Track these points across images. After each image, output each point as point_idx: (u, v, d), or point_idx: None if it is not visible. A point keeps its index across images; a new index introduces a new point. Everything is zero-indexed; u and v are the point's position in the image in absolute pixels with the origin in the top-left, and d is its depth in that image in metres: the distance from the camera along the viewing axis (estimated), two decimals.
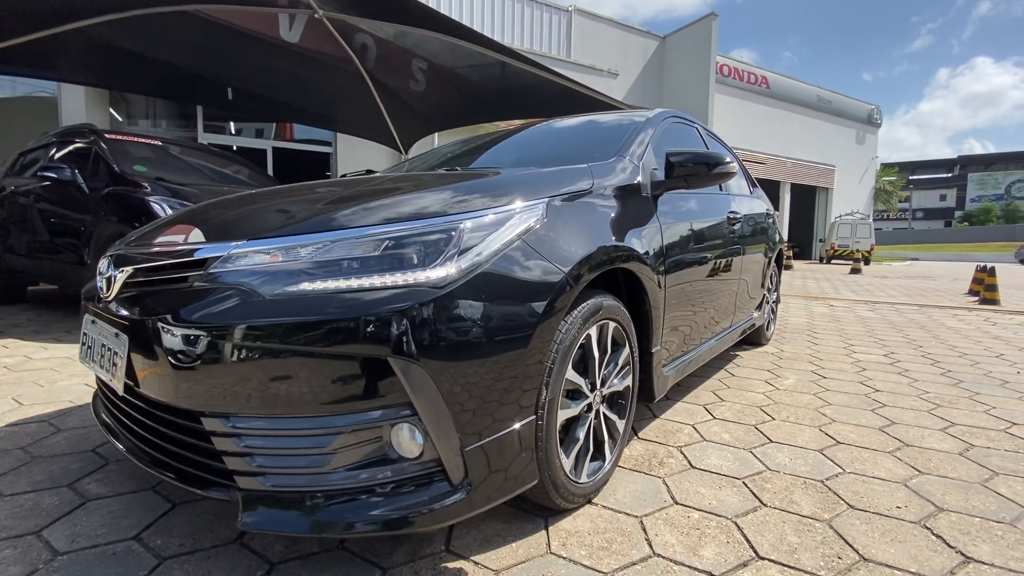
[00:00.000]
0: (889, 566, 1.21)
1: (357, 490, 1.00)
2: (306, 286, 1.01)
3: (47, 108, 7.69)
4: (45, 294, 5.49)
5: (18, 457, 1.70)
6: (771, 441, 1.92)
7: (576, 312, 1.31)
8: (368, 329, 0.96)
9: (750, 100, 17.01)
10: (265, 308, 0.99)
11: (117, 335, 1.18)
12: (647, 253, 1.60)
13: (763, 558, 1.23)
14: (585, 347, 1.39)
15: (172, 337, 1.03)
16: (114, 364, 1.18)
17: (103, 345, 1.24)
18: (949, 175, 74.78)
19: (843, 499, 1.51)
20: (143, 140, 4.42)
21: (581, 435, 1.40)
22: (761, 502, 1.48)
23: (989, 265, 7.16)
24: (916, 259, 26.03)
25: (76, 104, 7.46)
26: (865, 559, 1.23)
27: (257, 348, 0.97)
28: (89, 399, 2.24)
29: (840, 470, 1.70)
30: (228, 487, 1.04)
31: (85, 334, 1.37)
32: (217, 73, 6.23)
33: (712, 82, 14.58)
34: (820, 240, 20.05)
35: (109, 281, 1.28)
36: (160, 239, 1.33)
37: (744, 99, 16.78)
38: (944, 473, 1.69)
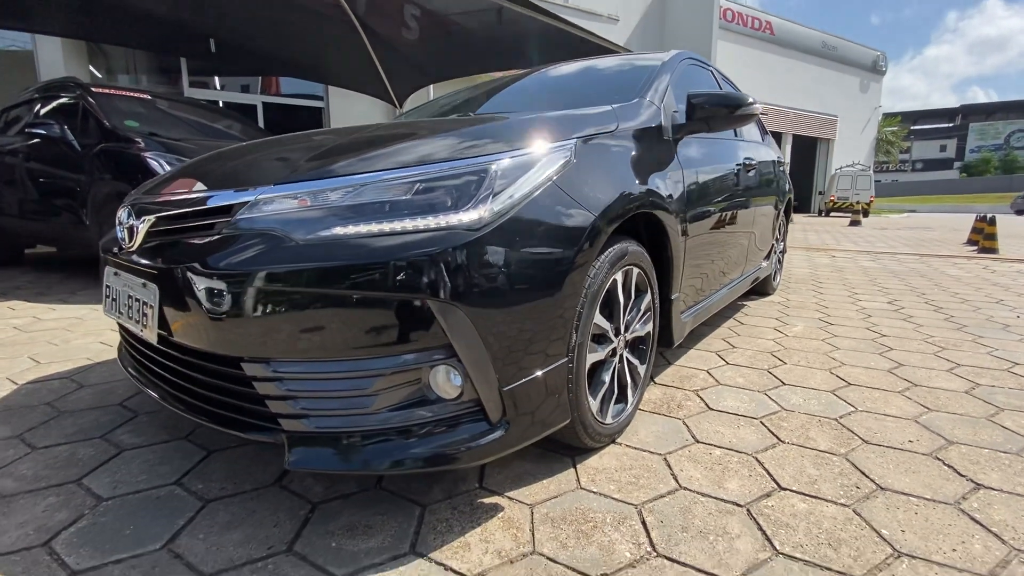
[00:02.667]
0: (905, 493, 1.26)
1: (400, 429, 1.02)
2: (339, 230, 1.00)
3: (22, 62, 7.34)
4: (44, 257, 5.43)
5: (45, 412, 1.72)
6: (784, 384, 1.97)
7: (603, 257, 1.30)
8: (406, 273, 0.96)
9: (754, 47, 16.46)
10: (300, 253, 0.98)
11: (145, 285, 1.17)
12: (670, 198, 1.59)
13: (785, 488, 1.28)
14: (610, 292, 1.40)
15: (206, 285, 1.03)
16: (144, 315, 1.18)
17: (130, 296, 1.24)
18: (950, 125, 73.61)
19: (857, 435, 1.56)
20: (131, 94, 4.26)
21: (607, 378, 1.43)
22: (779, 439, 1.53)
23: (989, 215, 7.16)
24: (914, 211, 25.99)
25: (54, 58, 7.13)
26: (882, 488, 1.29)
27: (295, 294, 0.97)
28: (106, 357, 2.26)
29: (852, 409, 1.75)
30: (271, 430, 1.06)
31: (108, 286, 1.36)
32: (199, 23, 5.93)
33: (715, 28, 14.06)
34: (820, 193, 19.90)
35: (131, 231, 1.25)
36: (179, 188, 1.30)
37: (748, 46, 16.23)
38: (952, 410, 1.74)
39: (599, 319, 1.34)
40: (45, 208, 4.10)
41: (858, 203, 16.78)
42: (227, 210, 1.09)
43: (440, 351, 1.01)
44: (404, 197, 1.03)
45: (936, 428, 1.61)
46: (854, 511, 1.20)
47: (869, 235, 9.64)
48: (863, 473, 1.35)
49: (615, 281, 1.39)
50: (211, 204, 1.11)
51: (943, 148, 72.10)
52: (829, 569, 1.01)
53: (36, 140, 3.91)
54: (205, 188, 1.20)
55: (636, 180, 1.43)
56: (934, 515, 1.18)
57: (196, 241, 1.10)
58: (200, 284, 1.03)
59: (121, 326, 1.53)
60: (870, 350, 2.40)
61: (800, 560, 1.04)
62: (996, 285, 4.20)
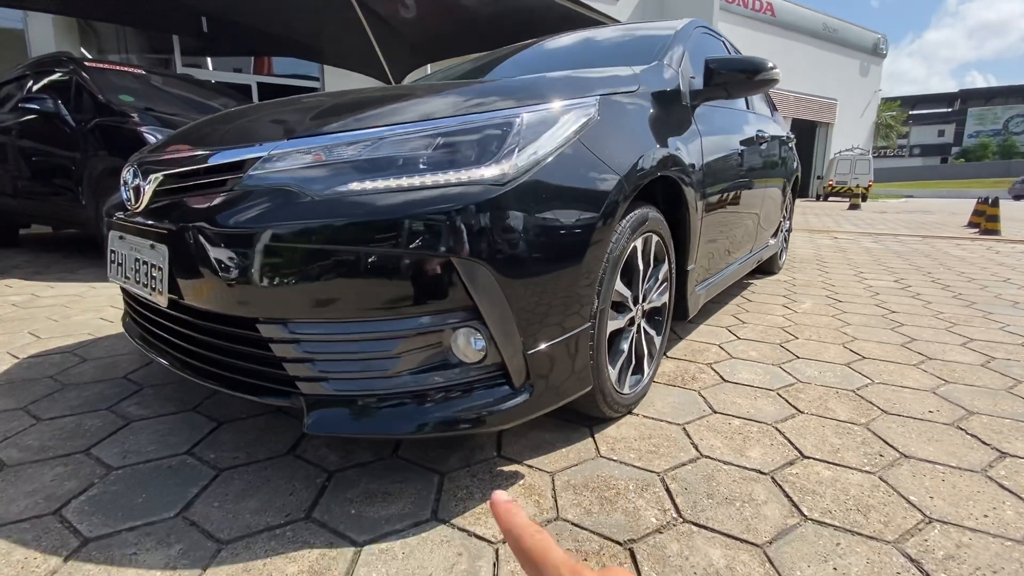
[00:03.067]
0: (930, 461, 1.25)
1: (422, 393, 0.99)
2: (356, 186, 0.95)
3: (13, 41, 7.17)
4: (40, 237, 5.34)
5: (48, 385, 1.68)
6: (798, 357, 1.95)
7: (626, 221, 1.26)
8: (429, 230, 0.92)
9: (755, 29, 16.24)
10: (317, 209, 0.94)
11: (153, 247, 1.12)
12: (692, 165, 1.54)
13: (808, 457, 1.26)
14: (630, 259, 1.36)
15: (218, 245, 0.98)
16: (153, 278, 1.13)
17: (137, 259, 1.19)
18: (949, 110, 73.29)
19: (876, 406, 1.54)
20: (125, 69, 4.15)
21: (625, 347, 1.40)
22: (797, 410, 1.51)
23: (992, 196, 7.13)
24: (911, 196, 25.98)
25: (44, 36, 6.97)
26: (906, 456, 1.27)
27: (313, 252, 0.93)
28: (108, 332, 2.21)
29: (869, 381, 1.73)
30: (288, 394, 1.03)
31: (113, 251, 1.31)
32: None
33: (716, 9, 13.85)
34: (819, 177, 19.82)
35: (137, 191, 1.20)
36: (182, 147, 1.25)
37: (748, 27, 16.01)
38: (970, 382, 1.73)
39: (619, 286, 1.31)
40: (39, 186, 4.01)
41: (857, 187, 16.73)
42: (238, 166, 1.04)
43: (463, 313, 0.97)
44: (425, 151, 0.98)
45: (955, 399, 1.59)
46: (880, 478, 1.18)
47: (869, 218, 9.61)
48: (885, 442, 1.33)
49: (635, 248, 1.36)
50: (221, 160, 1.06)
51: (941, 133, 71.88)
52: (860, 534, 0.99)
53: (29, 117, 3.81)
54: (214, 146, 1.14)
55: (657, 143, 1.38)
56: (961, 482, 1.17)
57: (206, 199, 1.05)
58: (212, 243, 0.99)
59: (126, 294, 1.49)
60: (881, 325, 2.39)
61: (830, 525, 1.02)
62: (1001, 265, 4.19)
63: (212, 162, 1.08)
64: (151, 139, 3.27)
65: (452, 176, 0.96)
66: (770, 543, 0.97)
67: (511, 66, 2.25)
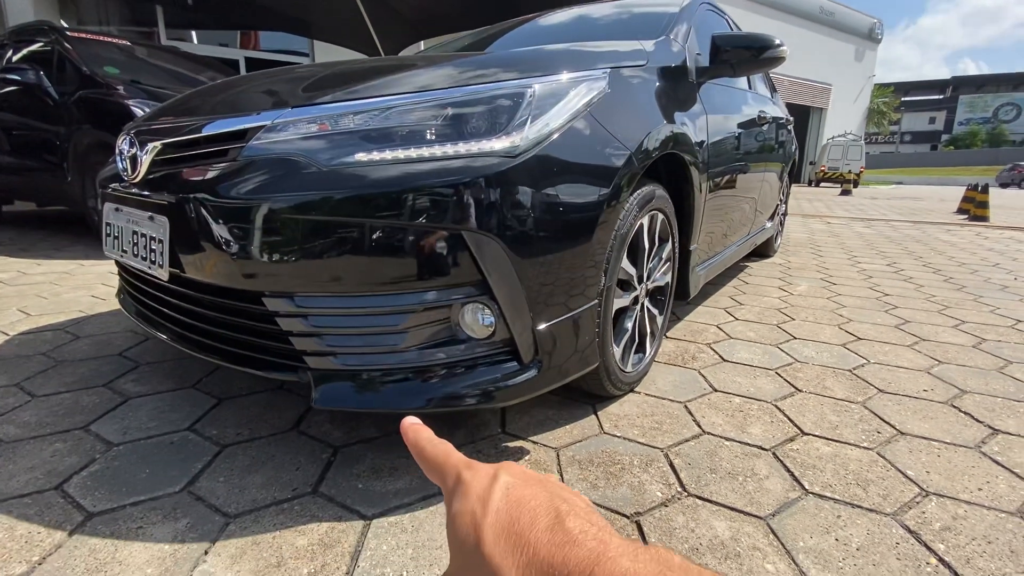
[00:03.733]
0: (926, 438, 1.27)
1: (430, 368, 0.98)
2: (362, 156, 0.93)
3: None
4: (24, 215, 5.21)
5: (41, 362, 1.65)
6: (795, 338, 1.97)
7: (633, 198, 1.25)
8: (438, 202, 0.90)
9: (750, 10, 16.07)
10: (324, 180, 0.91)
11: (152, 219, 1.09)
12: (698, 143, 1.53)
13: (808, 433, 1.28)
14: (636, 237, 1.36)
15: (222, 217, 0.96)
16: (153, 251, 1.11)
17: (135, 232, 1.16)
18: (941, 97, 73.54)
19: (872, 385, 1.57)
20: (110, 40, 4.01)
21: (629, 326, 1.40)
22: (796, 388, 1.53)
23: (982, 183, 7.21)
24: (901, 183, 26.20)
25: (23, 7, 6.69)
26: (902, 433, 1.29)
27: (320, 224, 0.91)
28: (100, 309, 2.18)
29: (865, 361, 1.76)
30: (294, 368, 1.02)
31: (109, 224, 1.28)
32: None
33: None
34: (811, 163, 19.87)
35: (134, 161, 1.17)
36: (181, 116, 1.21)
37: (745, 8, 15.83)
38: (962, 362, 1.76)
39: (625, 264, 1.30)
40: (22, 161, 3.90)
41: (848, 173, 16.81)
42: (240, 135, 1.01)
43: (472, 287, 0.96)
44: (434, 122, 0.96)
45: (949, 379, 1.62)
46: (878, 454, 1.20)
47: (860, 204, 9.69)
48: (882, 419, 1.36)
49: (641, 226, 1.35)
50: (223, 129, 1.03)
51: (932, 120, 72.23)
52: (860, 507, 1.01)
53: (9, 88, 3.69)
54: (215, 114, 1.11)
55: (665, 120, 1.36)
56: (956, 458, 1.19)
57: (208, 169, 1.02)
58: (215, 215, 0.97)
59: (122, 268, 1.46)
60: (875, 308, 2.42)
61: (830, 499, 1.04)
62: (991, 250, 4.25)
63: (213, 131, 1.04)
64: (139, 112, 3.18)
65: (462, 147, 0.94)
66: (773, 516, 0.99)
67: (511, 41, 2.20)
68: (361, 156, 0.93)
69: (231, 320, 1.07)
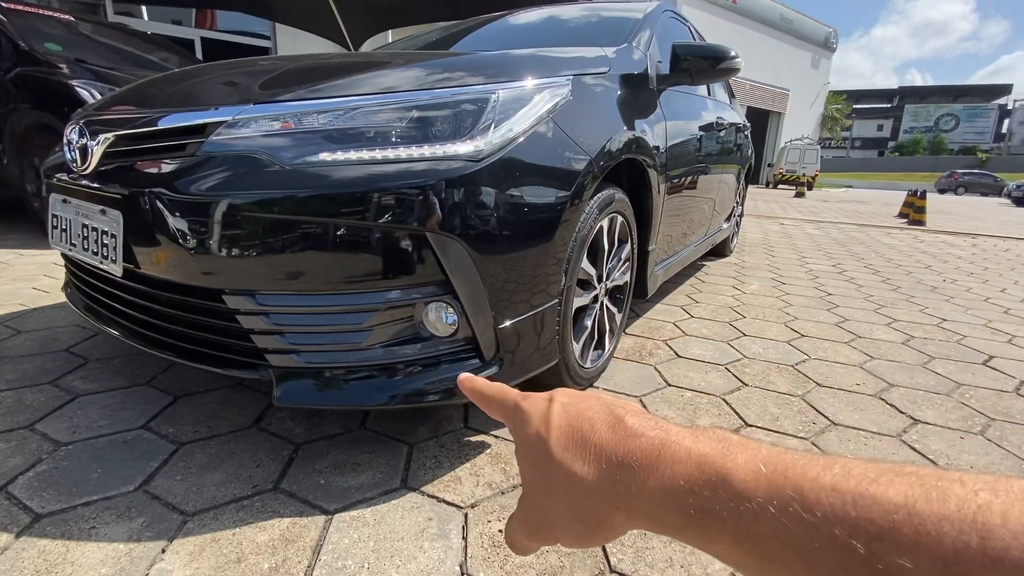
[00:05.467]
0: (855, 428, 1.38)
1: (393, 366, 1.00)
2: (327, 156, 0.94)
3: None
4: None
5: None
6: (744, 335, 2.08)
7: (593, 201, 1.30)
8: (403, 203, 0.92)
9: (717, 15, 16.52)
10: (288, 179, 0.92)
11: (104, 212, 1.06)
12: (656, 148, 1.59)
13: (751, 425, 1.37)
14: (596, 239, 1.41)
15: (180, 213, 0.95)
16: (105, 246, 1.08)
17: (85, 226, 1.13)
18: (888, 105, 77.56)
19: (812, 379, 1.68)
20: (50, 14, 3.77)
21: (588, 324, 1.46)
22: (743, 383, 1.63)
23: (920, 190, 7.69)
24: (850, 186, 27.54)
25: None
26: (835, 423, 1.40)
27: (283, 223, 0.91)
28: (42, 303, 2.08)
29: (806, 357, 1.88)
30: (255, 365, 1.02)
31: (56, 215, 1.23)
32: None
33: None
34: (769, 165, 20.65)
35: (84, 152, 1.13)
36: (136, 106, 1.17)
37: (711, 13, 16.26)
38: (892, 358, 1.91)
39: (585, 264, 1.35)
40: None
41: (804, 176, 17.56)
42: (200, 130, 0.99)
43: (435, 287, 0.99)
44: (399, 124, 0.98)
45: (879, 373, 1.76)
46: (812, 443, 1.30)
47: (813, 206, 10.16)
48: (818, 411, 1.46)
49: (601, 228, 1.40)
50: (182, 123, 1.01)
51: (880, 127, 76.13)
52: None
53: None
54: (173, 106, 1.08)
55: (625, 126, 1.42)
56: (880, 445, 1.30)
57: (166, 163, 1.00)
58: (173, 211, 0.95)
59: (69, 261, 1.40)
60: (819, 306, 2.57)
61: None
62: (925, 253, 4.56)
63: (171, 124, 1.02)
64: (84, 93, 3.02)
65: (427, 150, 0.96)
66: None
67: (479, 40, 2.22)
68: (325, 156, 0.94)
69: (188, 317, 1.05)
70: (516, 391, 0.34)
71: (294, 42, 8.38)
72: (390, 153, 0.95)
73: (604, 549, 0.92)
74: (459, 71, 1.13)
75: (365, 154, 0.94)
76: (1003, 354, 2.01)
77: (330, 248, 0.91)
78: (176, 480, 1.06)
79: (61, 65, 3.15)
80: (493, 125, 1.00)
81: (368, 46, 7.29)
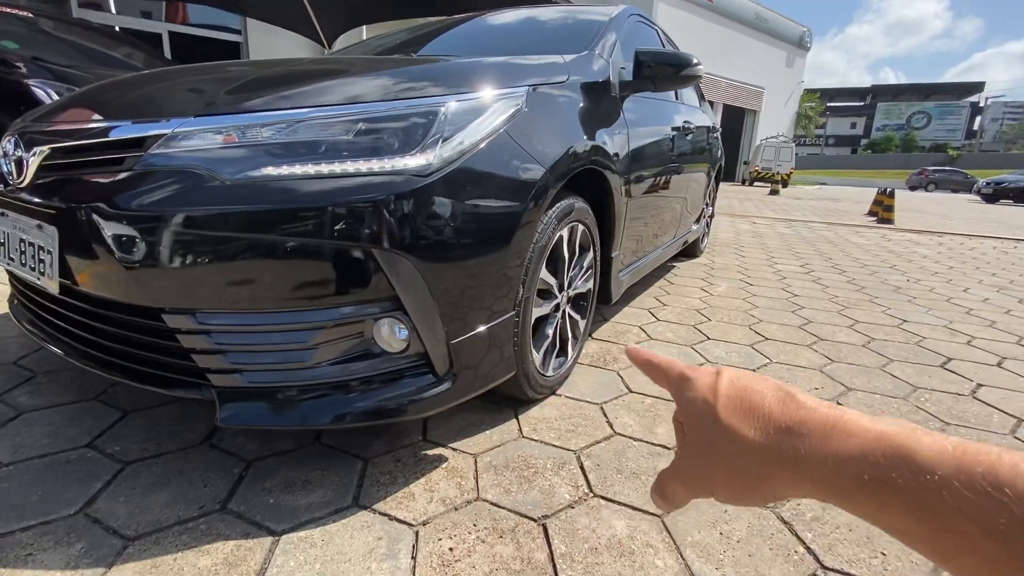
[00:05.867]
0: None
1: (342, 383, 0.99)
2: (271, 171, 0.92)
3: None
4: None
5: None
6: (709, 338, 2.11)
7: (551, 212, 1.30)
8: (349, 219, 0.90)
9: (694, 13, 16.67)
10: (229, 194, 0.89)
11: (41, 227, 1.02)
12: (616, 156, 1.60)
13: None
14: (556, 248, 1.41)
15: (117, 229, 0.92)
16: (41, 261, 1.04)
17: (22, 240, 1.08)
18: (862, 103, 79.34)
19: None
20: (6, 10, 3.63)
21: (550, 332, 1.46)
22: None
23: (889, 188, 7.88)
24: (824, 183, 28.13)
25: None
26: None
27: (223, 240, 0.89)
28: None
29: (768, 360, 1.91)
30: (199, 385, 0.99)
31: None
32: None
33: None
34: (745, 163, 20.95)
35: (19, 164, 1.08)
36: (73, 118, 1.13)
37: (688, 12, 16.41)
38: (852, 361, 1.95)
39: (545, 274, 1.35)
40: None
41: (778, 174, 17.86)
42: (138, 143, 0.96)
43: (385, 303, 0.98)
44: (345, 137, 0.96)
45: (838, 377, 1.80)
46: None
47: (786, 204, 10.35)
48: None
49: (560, 237, 1.40)
50: (119, 136, 0.98)
51: (853, 125, 77.87)
52: None
53: None
54: (114, 117, 1.05)
55: (585, 135, 1.42)
56: None
57: (102, 178, 0.97)
58: (110, 227, 0.92)
59: (11, 274, 1.35)
60: (784, 308, 2.62)
61: None
62: (891, 252, 4.68)
63: (108, 137, 0.99)
64: (41, 94, 2.92)
65: (375, 164, 0.95)
66: (668, 513, 1.07)
67: (446, 42, 2.20)
68: (268, 170, 0.92)
69: (129, 335, 1.02)
70: (684, 363, 0.37)
71: (265, 37, 8.21)
72: (336, 168, 0.93)
73: None
74: (411, 82, 1.11)
75: (310, 168, 0.93)
76: (961, 356, 2.07)
77: (271, 266, 0.89)
78: (119, 502, 1.03)
79: (18, 64, 3.04)
80: (442, 138, 0.99)
81: (341, 42, 7.18)
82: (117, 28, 7.57)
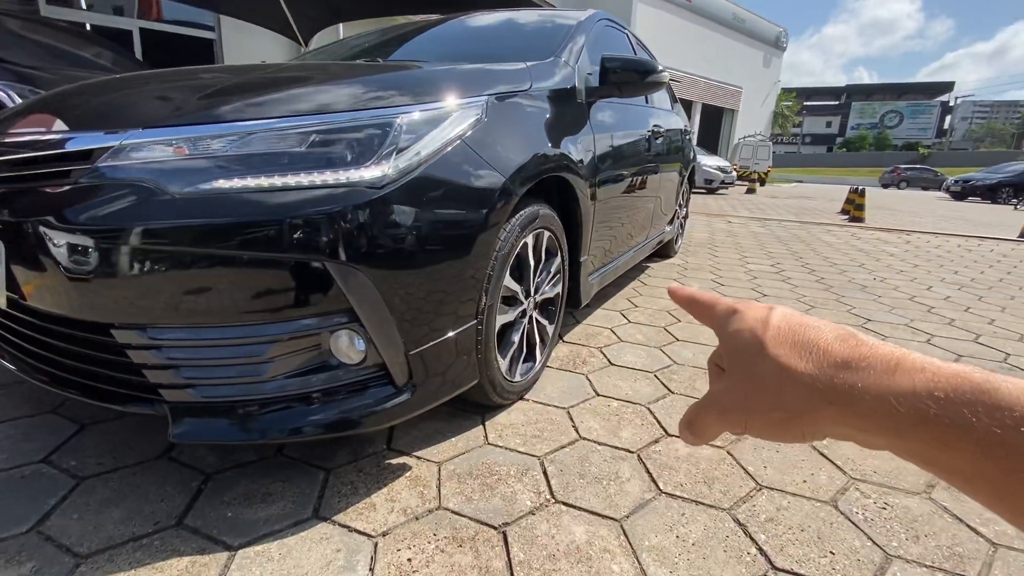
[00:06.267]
0: None
1: (299, 396, 0.98)
2: (222, 184, 0.91)
3: None
4: None
5: None
6: (677, 340, 2.14)
7: (514, 220, 1.31)
8: (301, 232, 0.90)
9: (671, 13, 16.83)
10: (177, 208, 0.88)
11: None
12: (581, 162, 1.61)
13: (671, 435, 1.42)
14: (521, 255, 1.42)
15: (63, 242, 0.90)
16: None
17: None
18: (837, 103, 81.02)
19: None
20: None
21: (516, 339, 1.47)
22: (669, 390, 1.68)
23: (860, 187, 8.07)
24: (800, 181, 28.68)
25: None
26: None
27: (171, 254, 0.88)
28: None
29: None
30: (152, 401, 0.98)
31: None
32: None
33: None
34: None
35: None
36: (22, 128, 1.11)
37: (666, 11, 16.55)
38: None
39: (509, 281, 1.36)
40: None
41: (756, 172, 18.13)
42: (87, 155, 0.95)
43: (341, 315, 0.97)
44: (298, 149, 0.95)
45: None
46: (727, 452, 1.35)
47: (761, 203, 10.53)
48: None
49: (526, 244, 1.41)
50: (66, 148, 0.96)
51: (829, 124, 79.50)
52: (702, 503, 1.14)
53: None
54: (62, 128, 1.03)
55: (548, 143, 1.43)
56: (792, 452, 1.37)
57: (49, 190, 0.95)
58: (56, 241, 0.90)
59: None
60: None
61: (679, 498, 1.16)
62: (860, 251, 4.80)
63: (56, 149, 0.97)
64: (3, 96, 2.83)
65: (329, 176, 0.94)
66: (627, 517, 1.09)
67: (416, 46, 2.19)
68: (220, 183, 0.91)
69: (79, 351, 1.00)
70: (728, 299, 0.36)
71: (240, 35, 8.06)
72: (289, 180, 0.93)
73: None
74: (369, 91, 1.11)
75: (262, 181, 0.92)
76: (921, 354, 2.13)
77: (222, 280, 0.89)
78: (73, 519, 1.01)
79: None
80: (397, 150, 0.99)
81: (318, 40, 7.09)
82: (88, 25, 7.37)
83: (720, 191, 13.41)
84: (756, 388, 0.30)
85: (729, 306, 0.35)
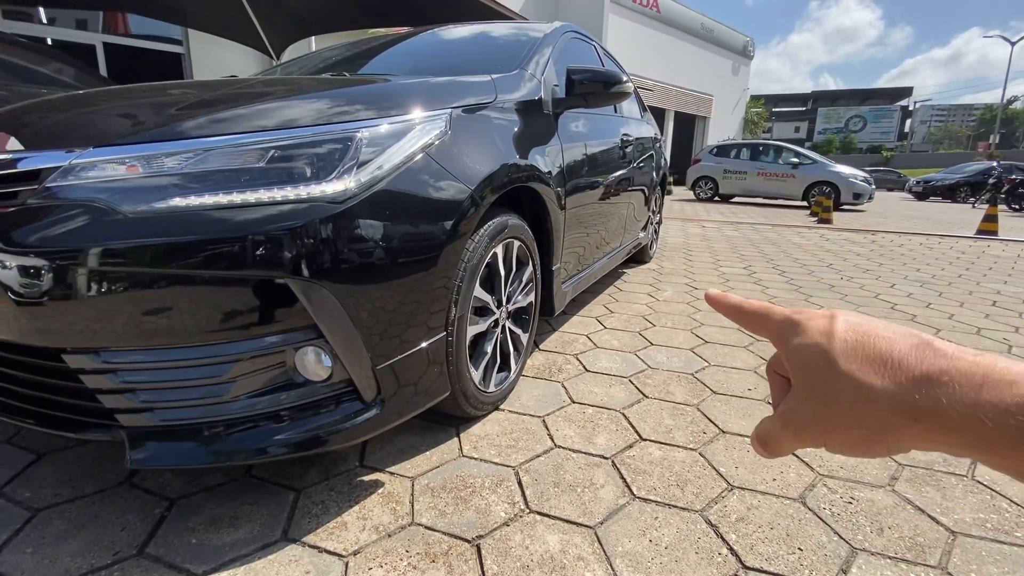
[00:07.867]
0: (741, 435, 1.47)
1: (262, 416, 0.96)
2: (178, 202, 0.89)
3: None
4: None
5: None
6: (652, 344, 2.17)
7: (483, 231, 1.31)
8: (261, 249, 0.89)
9: (642, 23, 17.19)
10: (129, 228, 0.86)
11: None
12: (549, 173, 1.63)
13: (645, 439, 1.43)
14: (491, 265, 1.42)
15: (8, 265, 0.87)
16: None
17: None
18: (804, 108, 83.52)
19: (708, 387, 1.77)
20: None
21: (489, 349, 1.47)
22: (644, 395, 1.69)
23: (827, 189, 8.31)
24: None
25: None
26: (724, 431, 1.48)
27: (123, 275, 0.86)
28: None
29: (706, 364, 1.98)
30: (108, 427, 0.95)
31: None
32: None
33: (607, 2, 14.42)
34: None
35: None
36: None
37: (636, 22, 16.91)
38: None
39: (479, 292, 1.36)
40: None
41: None
42: (34, 175, 0.92)
43: (305, 332, 0.96)
44: (257, 165, 0.94)
45: None
46: (700, 454, 1.37)
47: (734, 208, 10.76)
48: (710, 420, 1.55)
49: (495, 254, 1.41)
50: (17, 168, 0.93)
51: (797, 129, 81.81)
52: (675, 507, 1.15)
53: None
54: (16, 147, 0.99)
55: (516, 154, 1.44)
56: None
57: None
58: (3, 264, 0.87)
59: None
60: None
61: (653, 502, 1.17)
62: (828, 251, 4.94)
63: (3, 169, 0.94)
64: None
65: (289, 192, 0.93)
66: (601, 524, 1.09)
67: (386, 59, 2.19)
68: (176, 202, 0.89)
69: (31, 378, 0.97)
70: (780, 308, 0.34)
71: (209, 48, 7.96)
72: (248, 197, 0.91)
73: None
74: (332, 105, 1.10)
75: (220, 198, 0.90)
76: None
77: (179, 300, 0.87)
78: (27, 553, 0.97)
79: None
80: (358, 165, 0.99)
81: (290, 53, 7.04)
82: (49, 40, 7.18)
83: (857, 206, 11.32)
84: (832, 407, 0.29)
85: (786, 316, 0.33)
